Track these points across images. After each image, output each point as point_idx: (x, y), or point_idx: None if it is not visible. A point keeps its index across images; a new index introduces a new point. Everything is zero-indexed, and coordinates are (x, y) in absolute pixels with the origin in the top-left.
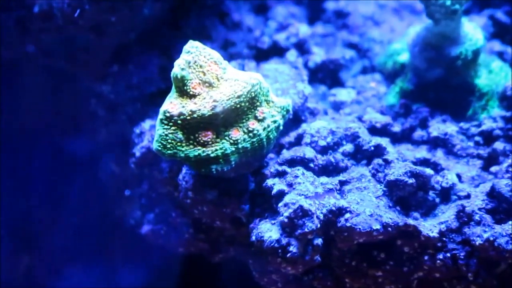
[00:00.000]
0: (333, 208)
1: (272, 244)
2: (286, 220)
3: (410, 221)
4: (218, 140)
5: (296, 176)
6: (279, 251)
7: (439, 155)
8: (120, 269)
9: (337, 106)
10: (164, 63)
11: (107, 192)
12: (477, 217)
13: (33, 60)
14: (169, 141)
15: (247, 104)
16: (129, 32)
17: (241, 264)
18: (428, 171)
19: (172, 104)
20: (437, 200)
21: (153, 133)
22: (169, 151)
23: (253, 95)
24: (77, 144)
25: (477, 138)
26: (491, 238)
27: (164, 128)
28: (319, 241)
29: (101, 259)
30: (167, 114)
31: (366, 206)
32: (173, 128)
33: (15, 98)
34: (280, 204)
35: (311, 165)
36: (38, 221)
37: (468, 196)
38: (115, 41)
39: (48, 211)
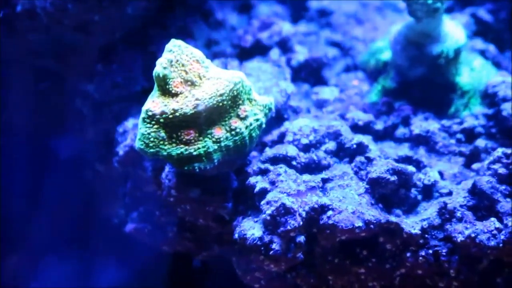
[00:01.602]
0: (316, 206)
1: (255, 242)
2: (268, 217)
3: (392, 218)
4: (200, 138)
5: (279, 174)
6: (262, 248)
7: (421, 153)
8: (105, 267)
9: (320, 104)
10: (148, 62)
11: (92, 191)
12: (458, 214)
13: (19, 59)
14: (152, 139)
15: (229, 102)
16: (114, 32)
17: (225, 262)
18: (410, 168)
19: (154, 103)
20: (419, 197)
21: (136, 132)
22: (151, 150)
23: (236, 93)
24: (63, 143)
25: (459, 136)
26: (473, 235)
27: (146, 127)
28: (301, 238)
29: (86, 258)
30: (150, 113)
31: (349, 203)
32: (155, 126)
33: (1, 97)
34: (262, 202)
35: (294, 163)
36: (23, 221)
37: (450, 193)
38: (100, 41)
39: (34, 210)
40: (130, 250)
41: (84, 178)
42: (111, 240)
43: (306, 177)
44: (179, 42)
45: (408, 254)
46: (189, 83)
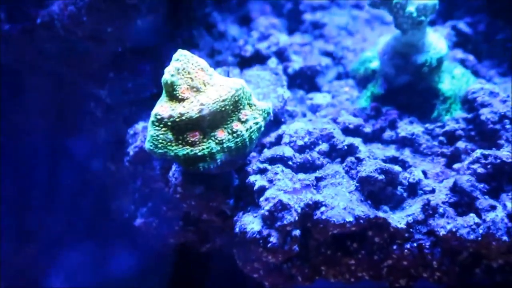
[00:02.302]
0: (310, 202)
1: (254, 235)
2: (267, 213)
3: (380, 214)
4: (205, 140)
5: (276, 173)
6: (261, 241)
7: (406, 154)
8: (115, 258)
9: (314, 109)
10: (157, 70)
11: (104, 188)
12: (441, 210)
13: (36, 66)
14: (160, 141)
15: (231, 107)
16: (125, 42)
17: (226, 253)
18: (397, 168)
19: (163, 108)
20: (405, 194)
21: (145, 134)
22: (160, 150)
23: (237, 99)
24: (77, 144)
25: (441, 138)
26: (454, 229)
27: (155, 129)
28: (297, 232)
29: (97, 250)
30: (158, 117)
31: (340, 200)
32: (163, 129)
33: (19, 101)
34: (261, 199)
35: (290, 163)
36: (38, 219)
37: (433, 191)
38: (112, 50)
39: (49, 208)
40: (139, 241)
41: (96, 176)
42: (121, 233)
43: (301, 176)
44: (185, 52)
45: (395, 247)
46: (194, 89)
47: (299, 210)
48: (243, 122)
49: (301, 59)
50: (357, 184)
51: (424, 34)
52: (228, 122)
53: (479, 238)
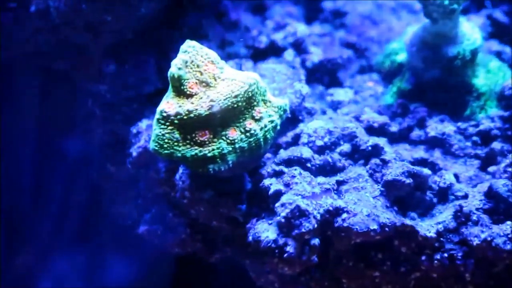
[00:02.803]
0: (330, 208)
1: (269, 244)
2: (283, 220)
3: (408, 221)
4: (215, 140)
5: (293, 176)
6: (276, 251)
7: (436, 155)
8: (115, 268)
9: (335, 106)
10: (161, 62)
11: (103, 191)
12: (474, 217)
13: (30, 59)
14: (166, 140)
15: (244, 104)
16: (126, 32)
17: (238, 265)
18: (426, 171)
19: (169, 104)
20: (435, 200)
21: (150, 133)
22: (166, 151)
23: (250, 94)
24: (74, 144)
25: (475, 138)
26: (489, 239)
27: (161, 128)
28: (316, 241)
29: (96, 259)
30: (164, 114)
31: (364, 206)
32: (170, 127)
33: (12, 97)
34: (277, 204)
35: (308, 165)
36: (32, 220)
37: (465, 196)
38: (112, 41)
39: (44, 210)
40: (141, 250)
41: (93, 179)
42: (121, 240)
43: (320, 179)
44: (193, 43)
45: (423, 258)
46: (203, 84)
47: (318, 217)
48: (257, 120)
49: (320, 51)
50: (382, 189)
51: (456, 23)
52: (241, 120)
53: None
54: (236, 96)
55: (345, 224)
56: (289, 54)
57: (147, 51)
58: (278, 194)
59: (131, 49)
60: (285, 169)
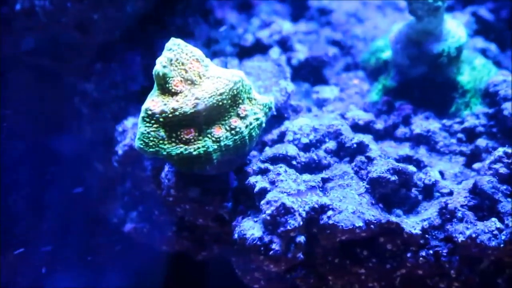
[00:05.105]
0: (316, 206)
1: (254, 242)
2: (268, 217)
3: (393, 218)
4: (200, 137)
5: (279, 174)
6: (262, 248)
7: (422, 152)
8: (102, 267)
9: (320, 104)
10: (148, 61)
11: (91, 190)
12: (459, 214)
13: (17, 58)
14: (151, 139)
15: (229, 101)
16: (113, 30)
17: (225, 262)
18: (411, 168)
19: (154, 102)
20: (420, 197)
21: (135, 131)
22: (151, 149)
23: (235, 92)
24: (62, 142)
25: (460, 135)
26: (474, 235)
27: (146, 126)
28: (301, 238)
29: (85, 257)
30: (149, 112)
31: (349, 203)
32: (155, 126)
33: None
34: (262, 202)
35: (294, 162)
36: (22, 220)
37: (450, 193)
38: (99, 39)
39: (32, 209)
40: (129, 249)
41: (83, 177)
42: (110, 239)
43: (306, 176)
44: (178, 41)
45: (409, 255)
46: (189, 82)
47: (303, 214)
48: (242, 118)
49: (306, 48)
50: (367, 186)
51: (441, 21)
52: (226, 118)
53: (502, 245)
54: (221, 94)
55: (330, 222)
56: (274, 52)
57: (134, 50)
58: (264, 191)
59: (117, 47)
60: (271, 167)
